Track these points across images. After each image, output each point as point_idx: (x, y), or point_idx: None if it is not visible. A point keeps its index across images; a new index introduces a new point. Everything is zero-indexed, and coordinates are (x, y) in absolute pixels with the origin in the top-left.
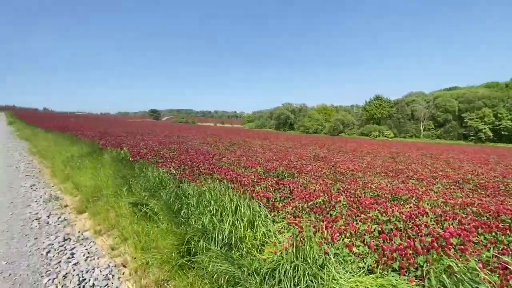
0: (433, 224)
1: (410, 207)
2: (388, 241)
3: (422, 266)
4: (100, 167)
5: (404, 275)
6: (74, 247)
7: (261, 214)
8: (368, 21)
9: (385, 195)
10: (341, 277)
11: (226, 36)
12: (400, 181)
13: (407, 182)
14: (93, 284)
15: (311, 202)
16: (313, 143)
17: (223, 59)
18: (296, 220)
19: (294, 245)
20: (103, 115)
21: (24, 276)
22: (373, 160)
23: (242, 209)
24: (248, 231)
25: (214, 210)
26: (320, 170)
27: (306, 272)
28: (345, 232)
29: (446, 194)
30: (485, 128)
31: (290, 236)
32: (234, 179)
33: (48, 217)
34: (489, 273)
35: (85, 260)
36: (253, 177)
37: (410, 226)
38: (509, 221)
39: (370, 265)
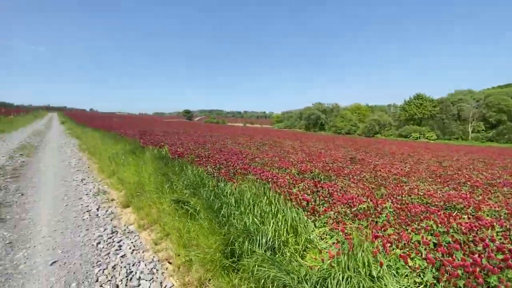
0: (500, 239)
1: (469, 218)
2: (448, 255)
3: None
4: (142, 164)
5: None
6: (121, 240)
7: (302, 218)
8: (405, 14)
9: (435, 203)
10: None
11: (256, 37)
12: (451, 188)
13: (459, 189)
14: (139, 277)
15: (355, 208)
16: (348, 144)
17: (253, 59)
18: (339, 226)
19: (346, 253)
20: (141, 115)
21: (77, 265)
22: (416, 164)
23: (284, 211)
24: (291, 235)
25: (255, 211)
26: (359, 174)
27: (361, 285)
28: (397, 242)
29: (509, 204)
30: None
31: (336, 243)
32: (270, 179)
33: (97, 209)
34: None
35: (131, 253)
36: (288, 178)
37: (471, 239)
38: None
39: (428, 281)
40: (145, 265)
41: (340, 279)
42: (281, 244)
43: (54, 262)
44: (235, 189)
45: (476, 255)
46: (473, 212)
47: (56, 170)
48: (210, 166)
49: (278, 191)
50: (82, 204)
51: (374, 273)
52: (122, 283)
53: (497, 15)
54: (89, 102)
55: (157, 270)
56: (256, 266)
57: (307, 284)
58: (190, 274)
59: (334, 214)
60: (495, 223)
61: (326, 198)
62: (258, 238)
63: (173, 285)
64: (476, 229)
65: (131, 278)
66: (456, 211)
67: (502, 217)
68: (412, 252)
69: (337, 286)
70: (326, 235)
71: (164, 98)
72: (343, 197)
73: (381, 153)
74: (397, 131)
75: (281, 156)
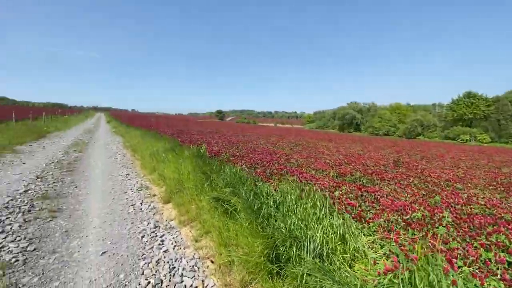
0: None
1: None
2: None
3: None
4: (181, 161)
5: None
6: (163, 235)
7: (350, 224)
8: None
9: (501, 214)
10: None
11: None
12: None
13: None
14: (182, 274)
15: (408, 216)
16: (388, 146)
17: (283, 60)
18: (391, 235)
19: (406, 267)
20: (177, 115)
21: (124, 256)
22: (471, 169)
23: (332, 215)
24: (339, 242)
25: (299, 215)
26: (405, 178)
27: None
28: (464, 258)
29: None
30: None
31: (389, 254)
32: (309, 181)
33: (141, 204)
34: None
35: (173, 248)
36: (327, 180)
37: None
38: None
39: None
40: (187, 262)
41: None
42: (329, 251)
43: (104, 252)
44: (275, 189)
45: None
46: None
47: (104, 165)
48: (246, 165)
49: (323, 194)
50: (127, 198)
51: None
52: (166, 278)
53: None
54: (132, 102)
55: (198, 268)
56: (305, 274)
57: None
58: (231, 275)
59: (384, 222)
60: None
61: (373, 204)
62: (306, 243)
63: (214, 284)
64: None
65: (174, 274)
66: None
67: None
68: (483, 271)
69: None
70: (376, 244)
71: (198, 99)
72: (392, 203)
73: (428, 156)
74: (443, 132)
75: (316, 157)
